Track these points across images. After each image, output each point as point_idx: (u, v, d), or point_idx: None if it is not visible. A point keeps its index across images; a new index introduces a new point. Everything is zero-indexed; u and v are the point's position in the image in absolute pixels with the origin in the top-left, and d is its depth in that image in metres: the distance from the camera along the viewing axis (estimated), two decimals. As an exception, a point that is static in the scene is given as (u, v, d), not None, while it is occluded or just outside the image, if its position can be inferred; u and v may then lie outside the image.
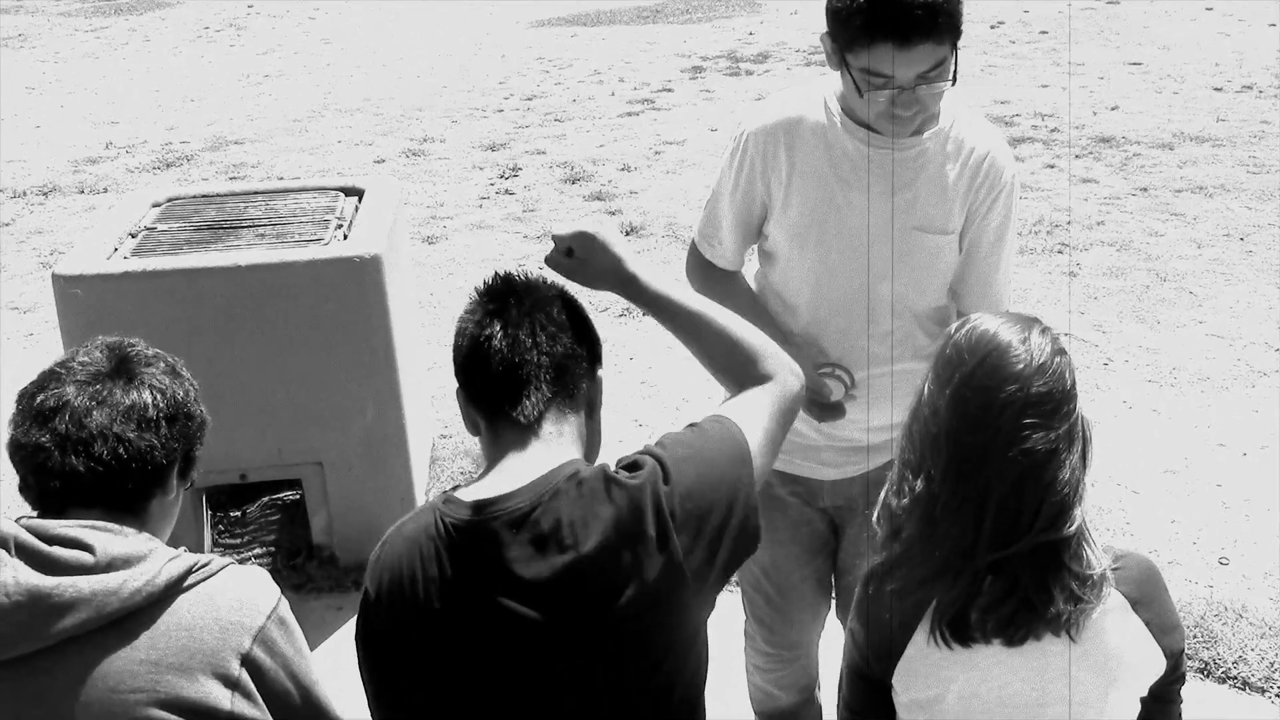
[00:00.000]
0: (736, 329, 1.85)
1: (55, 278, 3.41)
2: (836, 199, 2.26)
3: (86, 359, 1.70)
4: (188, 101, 10.54)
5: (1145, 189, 7.30)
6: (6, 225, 7.36)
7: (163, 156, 8.75)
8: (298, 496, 3.81)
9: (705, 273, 2.47)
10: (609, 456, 1.73)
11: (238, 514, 3.92)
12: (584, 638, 1.61)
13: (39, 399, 1.65)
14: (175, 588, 1.62)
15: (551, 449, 1.68)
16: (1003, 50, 11.34)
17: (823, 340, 2.33)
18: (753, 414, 1.78)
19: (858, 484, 2.42)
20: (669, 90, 10.42)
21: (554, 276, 1.81)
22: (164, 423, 1.68)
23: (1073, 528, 1.68)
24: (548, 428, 1.69)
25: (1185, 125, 8.61)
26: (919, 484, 1.71)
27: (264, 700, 1.66)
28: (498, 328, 1.68)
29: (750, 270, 2.50)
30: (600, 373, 1.77)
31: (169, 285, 3.37)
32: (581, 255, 1.88)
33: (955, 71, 2.10)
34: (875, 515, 1.78)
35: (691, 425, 1.76)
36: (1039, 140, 8.37)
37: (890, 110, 2.11)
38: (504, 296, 1.72)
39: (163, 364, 1.75)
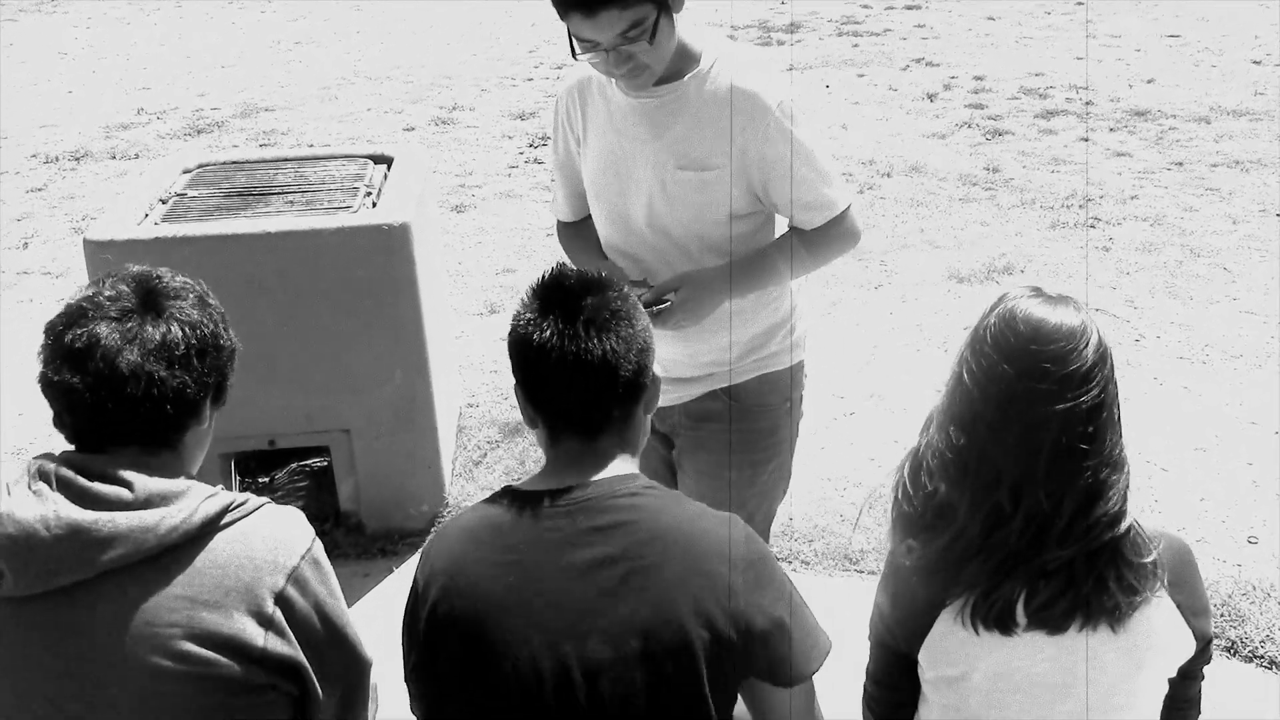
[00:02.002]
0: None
1: (86, 243, 3.43)
2: (615, 149, 2.41)
3: (113, 293, 1.68)
4: (219, 68, 10.55)
5: (1180, 163, 7.21)
6: (39, 190, 7.40)
7: (193, 123, 8.77)
8: (325, 463, 3.84)
9: (559, 229, 2.74)
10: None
11: (266, 480, 3.95)
12: (625, 629, 1.61)
13: (68, 337, 1.64)
14: (212, 525, 1.64)
15: (611, 458, 1.72)
16: (1038, 22, 11.20)
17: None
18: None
19: (677, 412, 2.58)
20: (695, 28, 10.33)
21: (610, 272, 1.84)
22: (195, 358, 1.68)
23: (1129, 519, 1.66)
24: (610, 438, 1.72)
25: (1222, 99, 8.50)
26: (951, 464, 1.70)
27: (297, 638, 1.68)
28: (571, 348, 1.66)
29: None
30: (658, 371, 1.79)
31: (199, 251, 3.38)
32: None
33: (656, 30, 2.19)
34: (899, 492, 1.77)
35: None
36: (1073, 113, 8.28)
37: (607, 69, 2.26)
38: (573, 307, 1.69)
39: (191, 295, 1.74)
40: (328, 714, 1.76)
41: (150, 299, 1.69)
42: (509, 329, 1.75)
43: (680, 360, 2.47)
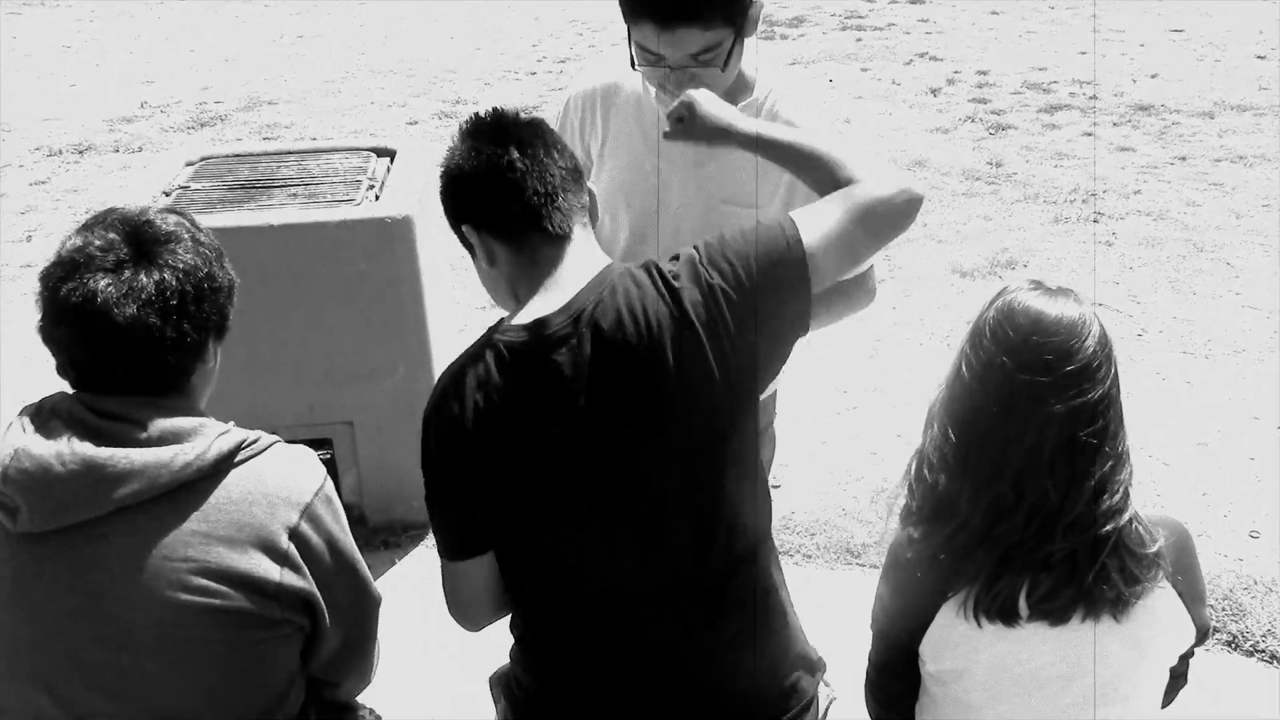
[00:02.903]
0: (823, 147, 1.92)
1: (90, 235, 3.43)
2: (644, 167, 2.27)
3: (104, 243, 1.65)
4: (222, 61, 10.55)
5: (1184, 158, 7.20)
6: (43, 183, 7.41)
7: (197, 116, 8.77)
8: (328, 455, 3.84)
9: None
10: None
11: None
12: (644, 422, 1.67)
13: (63, 291, 1.64)
14: (226, 462, 1.65)
15: (589, 257, 1.74)
16: (1041, 16, 11.18)
17: None
18: (814, 212, 1.80)
19: None
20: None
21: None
22: (192, 304, 1.67)
23: (1131, 509, 1.66)
24: (578, 233, 1.75)
25: (1226, 94, 8.48)
26: (951, 457, 1.70)
27: (310, 573, 1.70)
28: (515, 154, 1.71)
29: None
30: (592, 186, 1.82)
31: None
32: (687, 118, 1.98)
33: (730, 56, 2.07)
34: (906, 487, 1.78)
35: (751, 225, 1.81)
36: (1076, 108, 8.27)
37: (666, 86, 2.10)
38: (501, 126, 1.75)
39: (185, 236, 1.70)
40: (334, 647, 1.78)
41: (143, 246, 1.67)
42: (441, 174, 1.78)
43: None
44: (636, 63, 2.11)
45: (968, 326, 1.72)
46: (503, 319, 1.75)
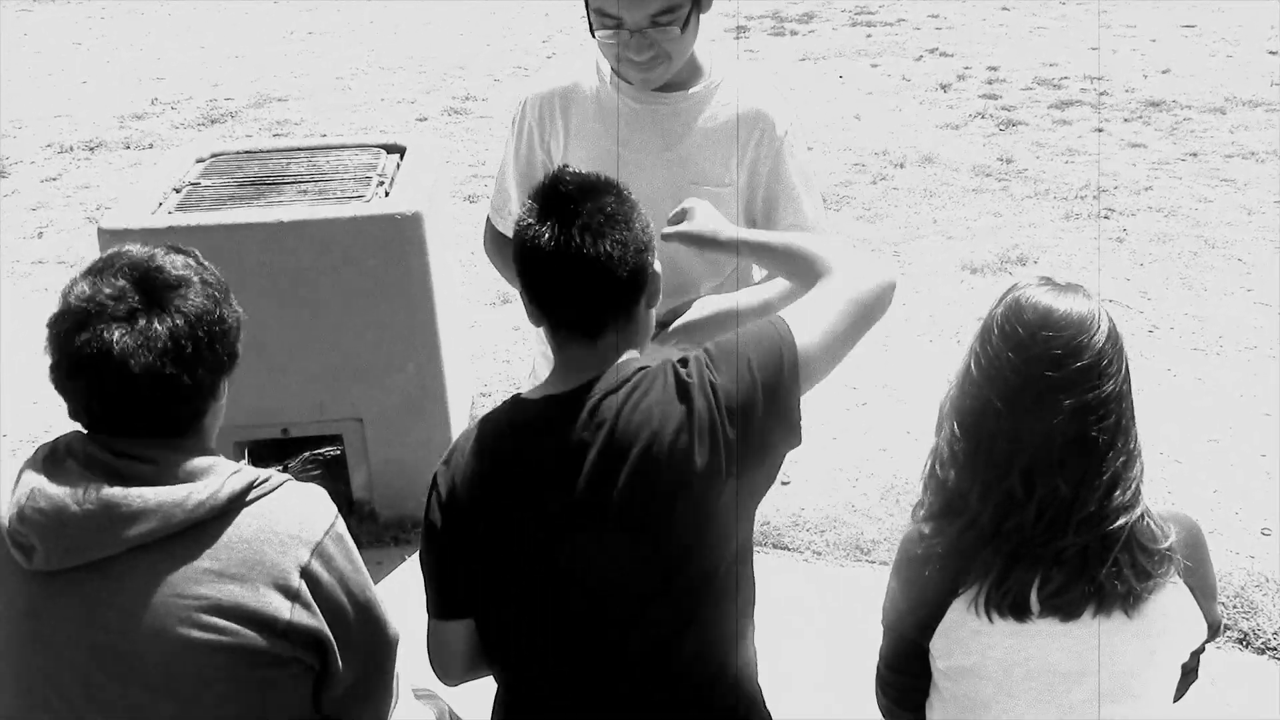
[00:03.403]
0: (799, 243, 1.99)
1: (100, 232, 3.44)
2: (610, 158, 2.29)
3: (114, 292, 1.64)
4: (232, 58, 10.56)
5: (1195, 154, 7.18)
6: (54, 180, 7.43)
7: (207, 113, 8.79)
8: (339, 452, 3.85)
9: (499, 245, 2.51)
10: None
11: (279, 468, 3.96)
12: (639, 521, 1.68)
13: (77, 342, 1.63)
14: (238, 501, 1.66)
15: (612, 349, 1.75)
16: (1052, 12, 11.15)
17: None
18: (803, 312, 1.83)
19: None
20: (712, 41, 10.32)
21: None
22: (206, 350, 1.68)
23: (1142, 505, 1.66)
24: (609, 338, 1.75)
25: (1238, 89, 8.45)
26: (961, 453, 1.70)
27: (322, 609, 1.70)
28: (576, 241, 1.68)
29: None
30: (656, 266, 1.79)
31: (212, 240, 3.39)
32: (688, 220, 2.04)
33: (688, 20, 2.13)
34: (923, 484, 1.78)
35: (743, 328, 1.82)
36: (1087, 104, 8.25)
37: (624, 54, 2.15)
38: (575, 205, 1.71)
39: (194, 279, 1.70)
40: (345, 683, 1.77)
41: (153, 294, 1.66)
42: (514, 234, 1.78)
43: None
44: (595, 28, 2.16)
45: (978, 323, 1.72)
46: (521, 391, 1.81)
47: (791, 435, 1.77)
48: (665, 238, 2.03)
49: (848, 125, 7.97)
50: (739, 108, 2.29)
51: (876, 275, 1.90)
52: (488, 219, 2.59)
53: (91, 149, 8.02)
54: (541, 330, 1.81)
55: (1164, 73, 8.99)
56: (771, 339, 1.76)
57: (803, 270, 1.93)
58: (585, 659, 1.74)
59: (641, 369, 1.73)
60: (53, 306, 1.71)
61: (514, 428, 1.74)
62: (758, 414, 1.71)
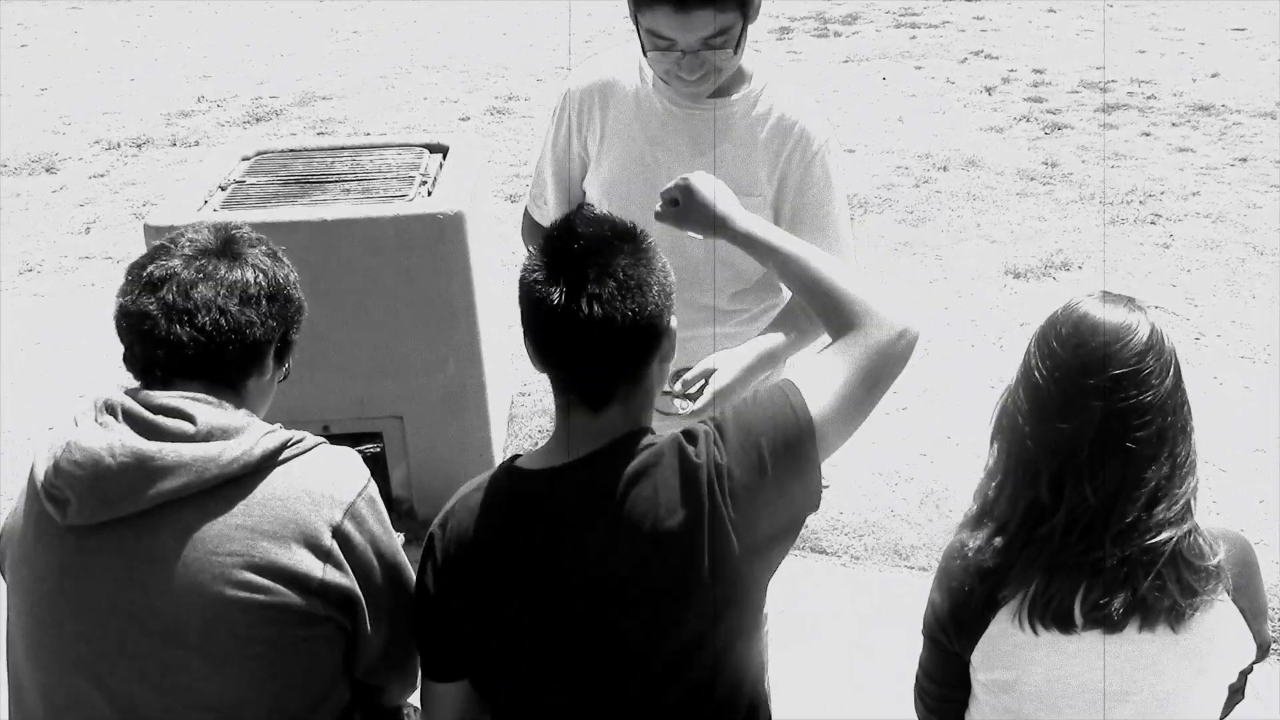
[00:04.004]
0: (826, 273, 1.82)
1: (147, 228, 3.48)
2: (645, 159, 2.28)
3: (195, 236, 1.77)
4: (278, 56, 10.65)
5: (1244, 159, 7.09)
6: (101, 176, 7.52)
7: (253, 111, 8.86)
8: (378, 449, 3.86)
9: (535, 234, 2.51)
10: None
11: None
12: (644, 600, 1.63)
13: (147, 269, 1.72)
14: (271, 460, 1.68)
15: (619, 418, 1.67)
16: (1099, 14, 11.05)
17: None
18: (819, 376, 1.72)
19: None
20: (756, 51, 10.30)
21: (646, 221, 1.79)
22: (264, 300, 1.75)
23: (1191, 521, 1.64)
24: (620, 405, 1.67)
25: (1289, 94, 8.34)
26: (1012, 464, 1.69)
27: (353, 569, 1.72)
28: (584, 305, 1.58)
29: None
30: (673, 321, 1.70)
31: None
32: (682, 201, 1.95)
33: (741, 41, 2.10)
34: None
35: (754, 393, 1.75)
36: (1134, 107, 8.16)
37: (676, 72, 2.13)
38: (584, 261, 1.61)
39: (265, 247, 1.82)
40: (376, 648, 1.79)
41: (228, 245, 1.78)
42: (519, 278, 1.68)
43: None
44: (647, 49, 2.14)
45: (1033, 336, 1.73)
46: (519, 456, 1.73)
47: (809, 503, 1.70)
48: (658, 218, 1.98)
49: (891, 128, 7.93)
50: (775, 119, 2.27)
51: (901, 326, 1.76)
52: (525, 209, 2.60)
53: (139, 146, 8.11)
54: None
55: (1213, 76, 8.88)
56: (786, 417, 1.66)
57: (825, 309, 1.81)
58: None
59: (647, 445, 1.65)
60: (108, 295, 1.79)
61: (512, 501, 1.68)
62: (766, 498, 1.64)
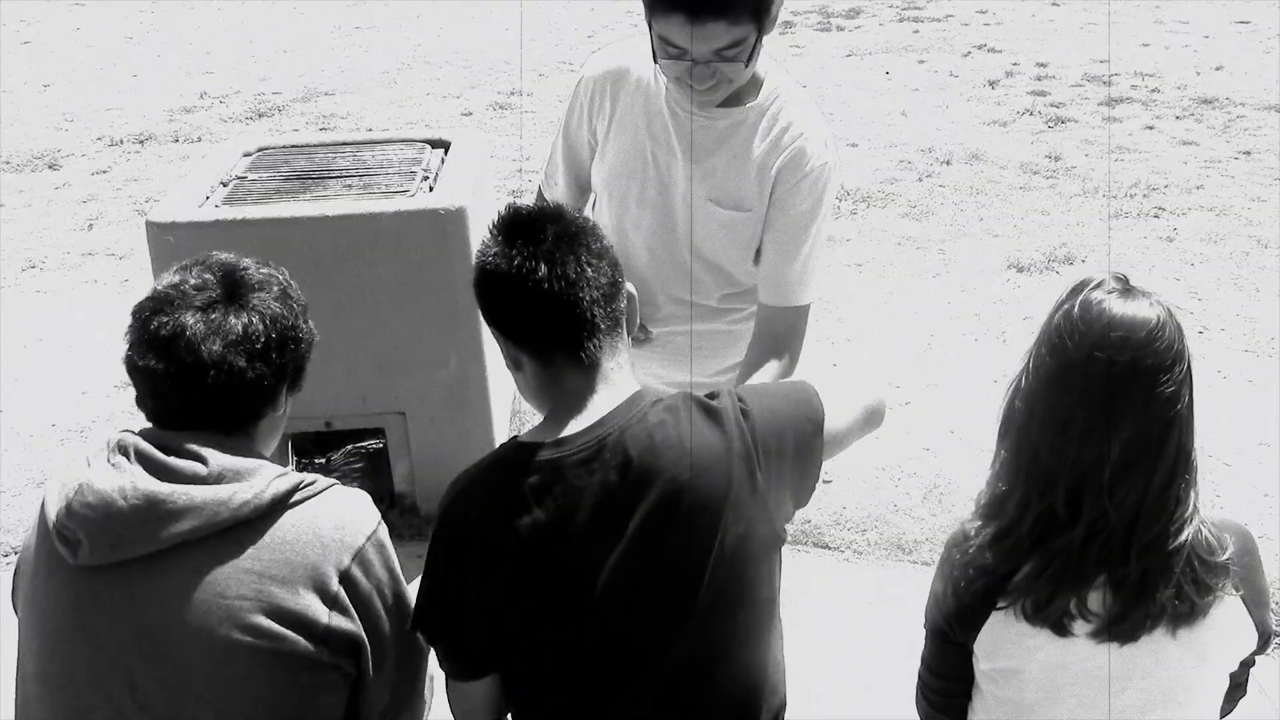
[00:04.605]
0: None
1: (149, 224, 3.47)
2: (645, 154, 2.28)
3: (199, 282, 1.73)
4: (280, 52, 10.65)
5: (1248, 152, 7.08)
6: (104, 172, 7.52)
7: (255, 107, 8.86)
8: (381, 445, 3.87)
9: None
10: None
11: (322, 461, 3.99)
12: (673, 562, 1.62)
13: (154, 324, 1.69)
14: (281, 503, 1.67)
15: (619, 384, 1.68)
16: (1103, 7, 11.02)
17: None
18: (835, 395, 1.81)
19: None
20: (772, 59, 10.27)
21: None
22: (274, 350, 1.72)
23: (1198, 516, 1.61)
24: (608, 363, 1.68)
25: (1293, 87, 8.32)
26: (1022, 472, 1.66)
27: (360, 614, 1.70)
28: (544, 268, 1.62)
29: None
30: (631, 289, 1.75)
31: (258, 234, 3.41)
32: None
33: (753, 52, 2.07)
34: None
35: (774, 384, 1.77)
36: (1138, 101, 8.15)
37: (686, 80, 2.10)
38: (539, 231, 1.65)
39: (275, 287, 1.78)
40: (383, 691, 1.78)
41: (235, 290, 1.73)
42: (475, 270, 1.70)
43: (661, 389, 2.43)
44: (658, 55, 2.11)
45: (1039, 324, 1.68)
46: (522, 433, 1.72)
47: (803, 495, 1.75)
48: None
49: (894, 122, 7.92)
50: (777, 135, 2.23)
51: (881, 397, 1.95)
52: (539, 187, 2.63)
53: (141, 142, 8.11)
54: (521, 383, 1.74)
55: (1217, 69, 8.87)
56: (809, 410, 1.73)
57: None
58: (615, 688, 1.68)
59: (657, 400, 1.66)
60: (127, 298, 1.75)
61: (519, 472, 1.63)
62: (787, 461, 1.66)
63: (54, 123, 8.62)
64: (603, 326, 1.67)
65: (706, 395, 1.68)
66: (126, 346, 1.72)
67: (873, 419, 1.91)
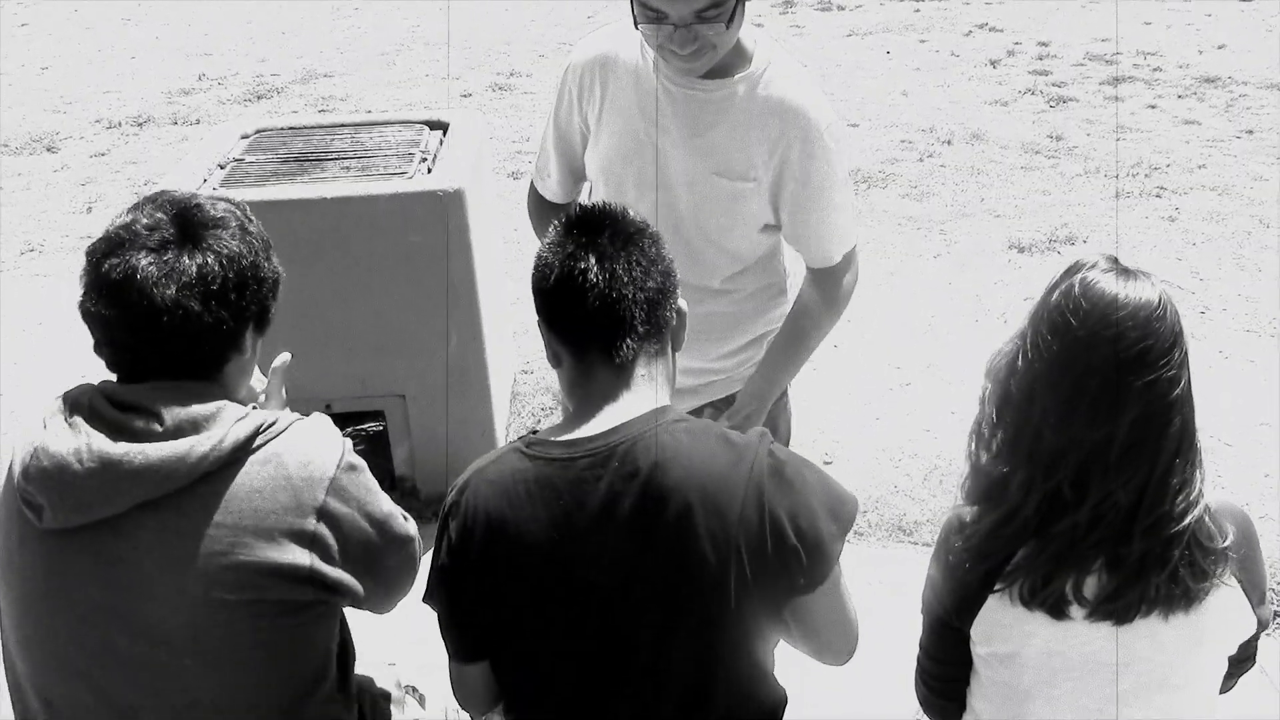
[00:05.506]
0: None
1: (147, 207, 3.46)
2: (640, 136, 2.27)
3: (151, 222, 1.64)
4: (279, 34, 10.61)
5: (1251, 131, 7.05)
6: (103, 155, 7.50)
7: (254, 89, 8.83)
8: (380, 428, 3.86)
9: (539, 206, 2.54)
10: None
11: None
12: (666, 578, 1.61)
13: (105, 267, 1.62)
14: (244, 450, 1.62)
15: (645, 393, 1.67)
16: (1105, -14, 10.97)
17: None
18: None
19: None
20: (758, 25, 10.25)
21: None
22: (233, 291, 1.64)
23: (1203, 502, 1.60)
24: (640, 370, 1.67)
25: (1296, 65, 8.28)
26: (999, 441, 1.66)
27: (344, 544, 1.66)
28: (592, 261, 1.63)
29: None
30: (683, 304, 1.74)
31: (255, 215, 3.40)
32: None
33: (734, 14, 2.07)
34: (966, 464, 1.73)
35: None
36: (1140, 80, 8.11)
37: (668, 46, 2.10)
38: (596, 228, 1.67)
39: (232, 223, 1.68)
40: (381, 597, 1.76)
41: (189, 228, 1.64)
42: (532, 266, 1.72)
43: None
44: (638, 20, 2.11)
45: (1030, 304, 1.67)
46: (539, 429, 1.72)
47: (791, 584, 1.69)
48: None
49: (894, 102, 7.88)
50: (775, 102, 2.23)
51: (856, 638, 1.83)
52: (531, 183, 2.60)
53: (140, 124, 8.08)
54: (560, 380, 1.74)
55: (1219, 48, 8.83)
56: (839, 496, 1.69)
57: None
58: (601, 694, 1.68)
59: (680, 419, 1.65)
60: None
61: (527, 470, 1.64)
62: (786, 537, 1.62)
63: (52, 105, 8.59)
64: (640, 331, 1.66)
65: (735, 427, 1.71)
66: (80, 291, 1.65)
67: (843, 641, 1.80)
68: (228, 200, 1.73)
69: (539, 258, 1.70)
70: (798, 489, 1.63)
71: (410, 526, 1.81)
